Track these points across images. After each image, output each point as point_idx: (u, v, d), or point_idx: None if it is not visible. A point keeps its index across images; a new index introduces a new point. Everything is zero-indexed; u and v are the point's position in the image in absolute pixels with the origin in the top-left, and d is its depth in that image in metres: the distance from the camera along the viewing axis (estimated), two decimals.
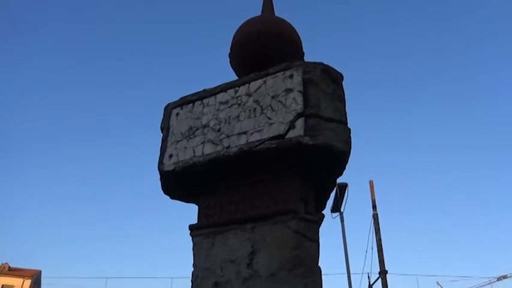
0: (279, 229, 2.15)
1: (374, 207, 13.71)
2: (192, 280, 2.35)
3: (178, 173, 2.48)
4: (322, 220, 2.34)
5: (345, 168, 2.33)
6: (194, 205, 2.66)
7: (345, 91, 2.49)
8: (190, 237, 2.46)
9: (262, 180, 2.32)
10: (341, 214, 10.97)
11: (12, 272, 44.59)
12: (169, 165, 2.52)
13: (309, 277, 2.05)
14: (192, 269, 2.37)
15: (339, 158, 2.24)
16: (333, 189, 2.54)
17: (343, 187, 10.61)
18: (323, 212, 2.54)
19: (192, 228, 2.46)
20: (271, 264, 2.09)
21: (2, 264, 45.36)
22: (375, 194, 13.90)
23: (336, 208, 10.98)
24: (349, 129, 2.33)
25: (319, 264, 2.17)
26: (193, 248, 2.42)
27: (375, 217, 13.44)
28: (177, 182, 2.56)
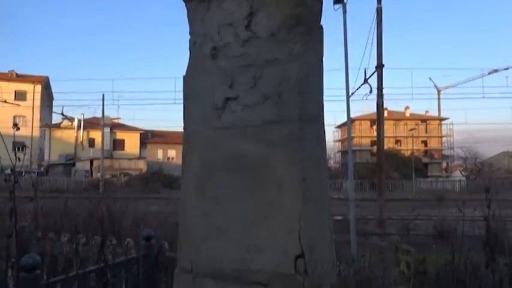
0: None
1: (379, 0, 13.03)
2: (189, 48, 2.29)
3: None
4: None
5: None
6: None
7: None
8: (184, 4, 2.29)
9: None
10: (344, 5, 10.42)
11: (20, 78, 46.05)
12: None
13: (309, 35, 1.97)
14: (189, 37, 2.29)
15: None
16: None
17: None
18: None
19: None
20: (271, 24, 1.98)
21: (9, 71, 46.47)
22: None
23: None
24: None
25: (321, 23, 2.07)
26: (187, 15, 2.28)
27: (379, 10, 12.92)
28: None
